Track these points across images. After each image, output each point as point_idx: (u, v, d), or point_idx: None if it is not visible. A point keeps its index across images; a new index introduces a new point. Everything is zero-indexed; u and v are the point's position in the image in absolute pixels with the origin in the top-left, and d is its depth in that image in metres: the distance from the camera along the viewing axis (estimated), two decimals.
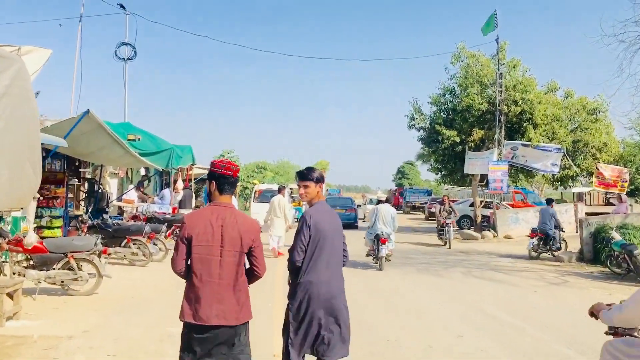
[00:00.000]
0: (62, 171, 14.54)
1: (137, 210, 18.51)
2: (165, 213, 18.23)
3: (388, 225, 12.55)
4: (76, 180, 17.95)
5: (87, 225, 11.31)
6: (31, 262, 8.03)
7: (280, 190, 14.92)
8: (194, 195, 21.20)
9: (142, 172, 21.16)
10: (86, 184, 16.67)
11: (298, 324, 3.98)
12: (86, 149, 11.86)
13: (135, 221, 16.10)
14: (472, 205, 28.34)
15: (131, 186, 19.97)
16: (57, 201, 13.54)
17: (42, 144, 10.13)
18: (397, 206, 55.70)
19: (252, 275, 3.64)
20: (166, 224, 13.31)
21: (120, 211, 18.52)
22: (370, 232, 12.72)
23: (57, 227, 13.26)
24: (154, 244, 12.10)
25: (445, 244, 18.32)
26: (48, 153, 10.63)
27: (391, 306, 8.56)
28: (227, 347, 3.42)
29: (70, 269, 8.13)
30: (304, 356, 4.06)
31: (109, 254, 11.27)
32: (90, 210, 14.57)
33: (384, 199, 13.91)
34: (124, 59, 22.73)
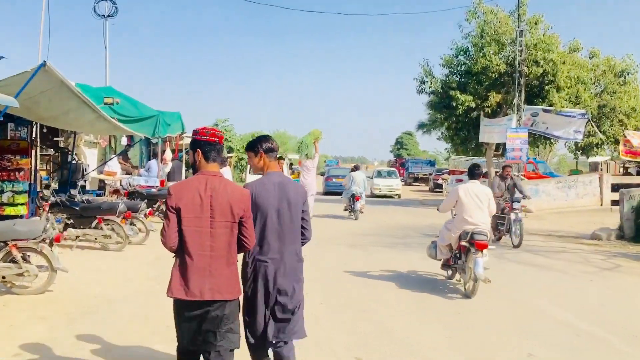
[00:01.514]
0: (25, 139, 12.62)
1: (120, 183, 16.74)
2: (151, 187, 16.48)
3: (360, 187, 16.80)
4: (52, 150, 16.10)
5: (50, 202, 9.39)
6: None
7: (278, 161, 13.09)
8: (183, 166, 19.18)
9: (125, 141, 19.22)
10: (59, 155, 14.79)
11: (250, 307, 3.75)
12: (47, 111, 9.89)
13: (117, 196, 14.29)
14: (485, 176, 26.63)
15: (113, 156, 17.99)
16: (21, 174, 11.64)
17: None
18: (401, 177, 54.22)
19: (241, 246, 3.41)
20: (145, 200, 11.35)
21: (103, 185, 16.68)
22: (347, 193, 17.05)
23: (21, 204, 11.35)
24: (132, 224, 10.26)
25: (498, 239, 11.91)
26: None
27: (422, 310, 6.77)
28: (218, 324, 3.24)
29: (13, 261, 6.29)
30: (265, 338, 3.75)
31: (76, 237, 9.45)
32: (59, 184, 12.68)
33: (354, 166, 18.64)
34: (103, 15, 20.58)
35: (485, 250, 7.03)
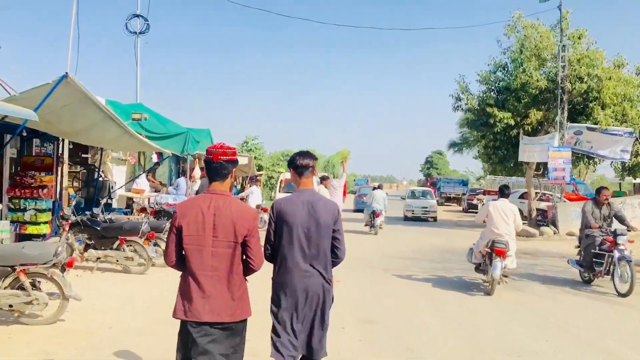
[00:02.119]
0: (50, 155, 12.28)
1: (148, 201, 16.35)
2: None
3: (380, 204, 18.15)
4: (82, 167, 15.80)
5: (70, 222, 8.90)
6: None
7: (323, 180, 13.73)
8: None
9: (154, 158, 18.88)
10: (85, 172, 14.45)
11: (277, 325, 3.65)
12: (70, 126, 9.48)
13: (144, 215, 13.82)
14: (522, 197, 25.52)
15: (142, 173, 17.62)
16: (44, 191, 11.26)
17: (4, 117, 7.88)
18: None
19: (247, 267, 3.27)
20: (170, 223, 10.79)
21: (131, 203, 16.31)
22: (368, 209, 18.32)
23: (44, 223, 11.01)
24: (156, 244, 9.72)
25: (590, 281, 9.75)
26: (15, 130, 8.28)
27: (474, 344, 5.97)
28: (220, 346, 3.12)
29: (21, 288, 5.74)
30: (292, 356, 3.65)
31: (97, 259, 8.93)
32: (85, 202, 12.29)
33: (377, 185, 20.26)
34: (135, 32, 20.41)
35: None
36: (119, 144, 13.17)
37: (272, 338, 3.67)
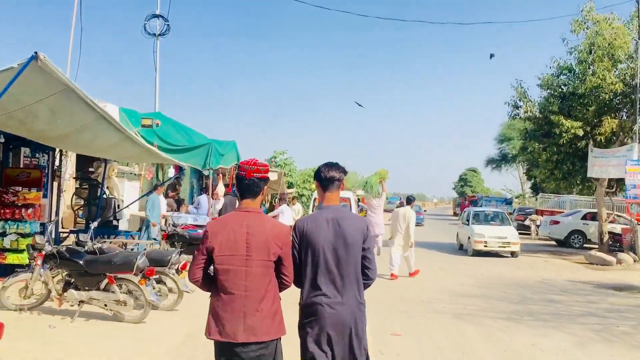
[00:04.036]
0: (41, 167, 10.24)
1: (166, 222, 14.31)
2: (200, 226, 13.93)
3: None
4: (83, 183, 13.79)
5: (44, 253, 6.71)
6: None
7: (409, 201, 13.24)
8: (238, 202, 16.53)
9: (172, 172, 16.83)
10: (86, 188, 12.37)
11: (305, 353, 3.33)
12: (51, 128, 7.31)
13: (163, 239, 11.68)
14: (585, 217, 22.70)
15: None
16: (29, 211, 9.20)
17: None
18: None
19: (281, 284, 3.24)
20: (179, 250, 8.39)
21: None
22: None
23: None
24: (160, 281, 7.49)
25: None
26: None
27: None
28: None
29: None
30: None
31: (79, 302, 6.71)
32: (86, 222, 10.18)
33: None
34: (154, 34, 18.51)
35: None
36: (119, 153, 10.96)
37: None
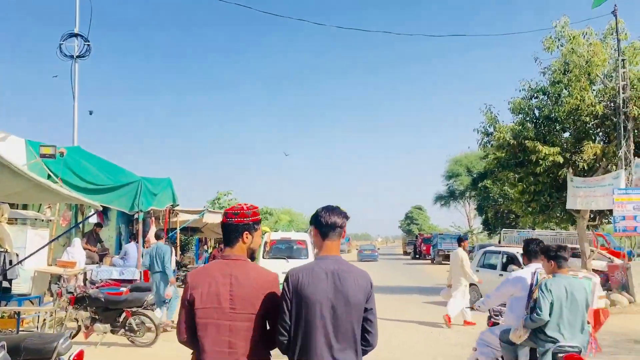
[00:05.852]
0: None
1: (84, 278, 11.58)
2: (128, 281, 11.36)
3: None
4: None
5: None
6: None
7: (460, 242, 12.77)
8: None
9: (94, 218, 13.92)
10: None
11: None
12: None
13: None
14: (576, 255, 20.97)
15: (76, 239, 12.58)
16: None
17: None
18: (425, 255, 48.05)
19: (268, 340, 2.92)
20: (64, 338, 5.49)
21: (57, 282, 11.23)
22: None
23: None
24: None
25: None
26: None
27: None
28: None
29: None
30: None
31: None
32: None
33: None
34: (72, 56, 15.77)
35: None
36: (21, 196, 8.26)
37: None
